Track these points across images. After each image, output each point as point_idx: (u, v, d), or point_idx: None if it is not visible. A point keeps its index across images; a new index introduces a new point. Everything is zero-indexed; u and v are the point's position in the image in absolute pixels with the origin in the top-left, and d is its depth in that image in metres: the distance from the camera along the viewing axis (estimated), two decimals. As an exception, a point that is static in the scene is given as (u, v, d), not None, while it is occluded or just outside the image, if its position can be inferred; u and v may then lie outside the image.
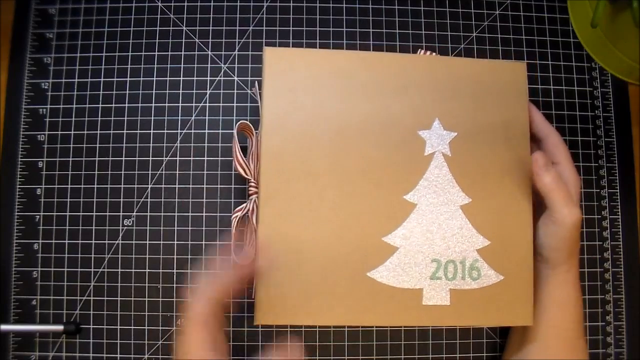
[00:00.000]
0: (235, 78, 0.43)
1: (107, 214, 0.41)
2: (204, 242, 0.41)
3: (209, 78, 0.43)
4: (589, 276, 0.42)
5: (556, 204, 0.32)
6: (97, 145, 0.42)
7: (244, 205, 0.36)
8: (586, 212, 0.43)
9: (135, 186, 0.42)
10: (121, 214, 0.41)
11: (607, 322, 0.42)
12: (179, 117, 0.42)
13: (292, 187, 0.34)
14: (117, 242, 0.41)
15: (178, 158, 0.42)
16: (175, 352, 0.34)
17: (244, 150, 0.41)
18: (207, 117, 0.42)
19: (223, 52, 0.43)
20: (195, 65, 0.43)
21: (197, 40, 0.43)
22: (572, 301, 0.35)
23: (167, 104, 0.42)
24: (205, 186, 0.42)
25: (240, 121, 0.37)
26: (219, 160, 0.42)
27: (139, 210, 0.41)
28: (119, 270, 0.41)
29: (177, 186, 0.42)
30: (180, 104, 0.42)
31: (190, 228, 0.41)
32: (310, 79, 0.35)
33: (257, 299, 0.33)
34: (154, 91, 0.43)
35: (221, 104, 0.43)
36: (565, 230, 0.32)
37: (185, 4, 0.44)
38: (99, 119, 0.42)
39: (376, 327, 0.41)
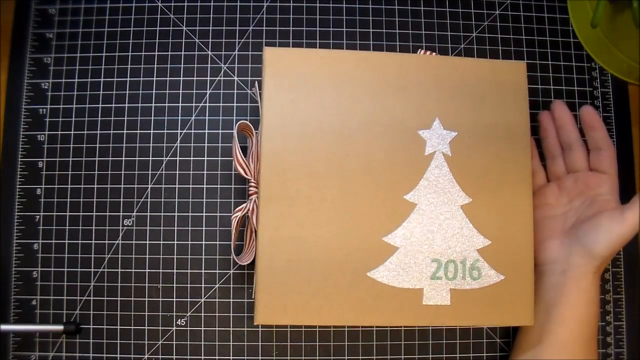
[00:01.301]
0: (235, 78, 0.43)
1: (107, 214, 0.41)
2: (204, 242, 0.41)
3: (209, 78, 0.43)
4: (589, 276, 0.42)
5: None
6: (97, 145, 0.42)
7: (244, 205, 0.36)
8: (586, 212, 0.43)
9: (135, 186, 0.42)
10: (121, 214, 0.41)
11: (607, 322, 0.42)
12: (179, 117, 0.42)
13: (292, 187, 0.34)
14: (117, 242, 0.41)
15: (178, 158, 0.42)
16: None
17: (244, 150, 0.41)
18: (207, 117, 0.42)
19: (223, 52, 0.43)
20: (195, 65, 0.43)
21: (197, 40, 0.43)
22: (595, 302, 0.36)
23: (167, 104, 0.42)
24: (205, 186, 0.42)
25: (240, 121, 0.37)
26: (219, 160, 0.42)
27: (139, 210, 0.41)
28: (119, 270, 0.41)
29: (177, 186, 0.42)
30: (180, 104, 0.42)
31: (190, 228, 0.41)
32: (310, 79, 0.35)
33: (257, 299, 0.33)
34: (154, 91, 0.43)
35: (221, 104, 0.43)
36: (628, 231, 0.34)
37: (185, 4, 0.44)
38: (99, 119, 0.42)
39: (376, 327, 0.41)
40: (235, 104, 0.43)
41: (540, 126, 0.41)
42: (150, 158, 0.42)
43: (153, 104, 0.42)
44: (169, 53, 0.43)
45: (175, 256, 0.41)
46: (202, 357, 0.40)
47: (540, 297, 0.37)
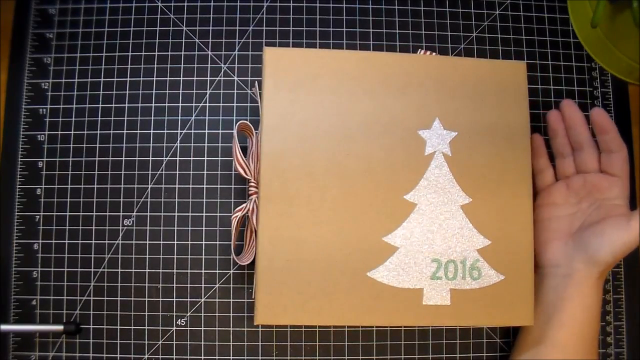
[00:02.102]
0: (235, 78, 0.43)
1: (107, 214, 0.41)
2: (204, 242, 0.41)
3: (209, 78, 0.43)
4: (589, 276, 0.42)
5: None
6: (97, 145, 0.42)
7: (244, 205, 0.36)
8: (586, 212, 0.43)
9: (135, 186, 0.42)
10: (121, 214, 0.41)
11: (607, 322, 0.42)
12: (179, 117, 0.42)
13: (292, 187, 0.34)
14: (117, 242, 0.41)
15: (178, 158, 0.42)
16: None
17: (244, 150, 0.41)
18: (207, 117, 0.42)
19: (223, 52, 0.43)
20: (195, 65, 0.43)
21: (197, 40, 0.43)
22: (596, 307, 0.36)
23: (167, 104, 0.42)
24: (205, 186, 0.42)
25: (240, 121, 0.37)
26: (219, 160, 0.42)
27: (139, 210, 0.41)
28: (119, 270, 0.41)
29: (177, 186, 0.42)
30: (180, 104, 0.42)
31: (190, 228, 0.41)
32: (310, 79, 0.35)
33: (257, 299, 0.33)
34: (154, 91, 0.43)
35: (221, 104, 0.43)
36: (633, 240, 0.34)
37: (185, 4, 0.44)
38: (99, 119, 0.42)
39: (376, 327, 0.41)
40: (235, 104, 0.43)
41: (549, 126, 0.39)
42: (150, 158, 0.42)
43: (153, 104, 0.42)
44: (169, 53, 0.43)
45: (175, 256, 0.41)
46: (202, 357, 0.40)
47: (541, 300, 0.37)
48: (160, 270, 0.41)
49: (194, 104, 0.43)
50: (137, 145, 0.42)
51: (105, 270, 0.41)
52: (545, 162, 0.40)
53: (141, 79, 0.43)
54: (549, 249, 0.37)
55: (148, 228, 0.41)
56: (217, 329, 0.40)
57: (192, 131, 0.42)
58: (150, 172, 0.42)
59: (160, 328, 0.40)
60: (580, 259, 0.35)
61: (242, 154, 0.36)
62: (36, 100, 0.42)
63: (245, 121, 0.37)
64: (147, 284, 0.41)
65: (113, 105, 0.42)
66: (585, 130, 0.37)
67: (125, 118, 0.42)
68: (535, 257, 0.36)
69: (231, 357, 0.40)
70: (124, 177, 0.42)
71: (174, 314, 0.40)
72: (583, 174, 0.38)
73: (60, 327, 0.39)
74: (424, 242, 0.34)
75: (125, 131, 0.42)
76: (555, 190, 0.39)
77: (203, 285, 0.41)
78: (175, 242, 0.41)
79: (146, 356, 0.40)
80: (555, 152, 0.40)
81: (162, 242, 0.41)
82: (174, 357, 0.40)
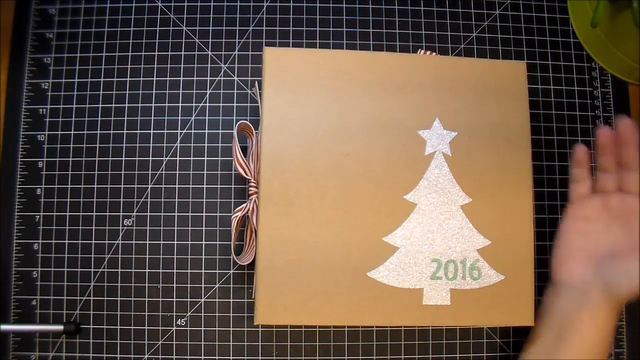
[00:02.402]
0: (235, 78, 0.43)
1: (107, 214, 0.41)
2: (204, 242, 0.41)
3: (209, 78, 0.43)
4: (589, 276, 0.42)
5: None
6: (97, 145, 0.42)
7: (244, 205, 0.36)
8: (586, 212, 0.43)
9: (135, 186, 0.42)
10: (121, 214, 0.41)
11: (607, 322, 0.42)
12: (179, 117, 0.42)
13: (292, 187, 0.34)
14: (117, 242, 0.41)
15: (178, 158, 0.42)
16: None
17: (244, 150, 0.41)
18: (207, 117, 0.42)
19: (223, 52, 0.43)
20: (195, 65, 0.43)
21: (197, 40, 0.43)
22: (608, 335, 0.34)
23: (167, 104, 0.42)
24: (205, 186, 0.42)
25: (240, 121, 0.37)
26: (219, 160, 0.42)
27: (139, 210, 0.41)
28: (119, 270, 0.41)
29: (177, 186, 0.42)
30: (180, 104, 0.42)
31: (190, 228, 0.41)
32: (310, 79, 0.35)
33: (257, 299, 0.33)
34: (154, 91, 0.43)
35: (221, 104, 0.43)
36: None
37: (185, 4, 0.44)
38: (99, 119, 0.42)
39: (376, 327, 0.41)
40: (235, 104, 0.43)
41: (599, 142, 0.36)
42: (150, 158, 0.42)
43: (153, 104, 0.42)
44: (169, 53, 0.43)
45: (175, 256, 0.41)
46: (202, 357, 0.40)
47: (552, 317, 0.35)
48: (160, 270, 0.41)
49: (194, 104, 0.43)
50: (137, 145, 0.42)
51: (105, 270, 0.41)
52: (585, 172, 0.38)
53: (141, 79, 0.43)
54: (568, 269, 0.36)
55: (148, 228, 0.41)
56: (217, 329, 0.40)
57: (192, 131, 0.42)
58: (150, 172, 0.42)
59: (160, 328, 0.40)
60: (599, 290, 0.34)
61: (242, 154, 0.36)
62: (36, 100, 0.42)
63: (245, 121, 0.37)
64: (147, 284, 0.41)
65: (113, 105, 0.42)
66: (637, 152, 0.35)
67: (125, 118, 0.42)
68: (552, 271, 0.36)
69: (231, 357, 0.40)
70: (124, 177, 0.42)
71: (174, 314, 0.40)
72: (623, 194, 0.36)
73: (60, 327, 0.39)
74: (424, 242, 0.34)
75: (125, 131, 0.42)
76: (590, 204, 0.37)
77: (203, 285, 0.41)
78: (175, 242, 0.41)
79: (146, 356, 0.40)
80: (599, 167, 0.37)
81: (162, 242, 0.41)
82: (174, 357, 0.40)
